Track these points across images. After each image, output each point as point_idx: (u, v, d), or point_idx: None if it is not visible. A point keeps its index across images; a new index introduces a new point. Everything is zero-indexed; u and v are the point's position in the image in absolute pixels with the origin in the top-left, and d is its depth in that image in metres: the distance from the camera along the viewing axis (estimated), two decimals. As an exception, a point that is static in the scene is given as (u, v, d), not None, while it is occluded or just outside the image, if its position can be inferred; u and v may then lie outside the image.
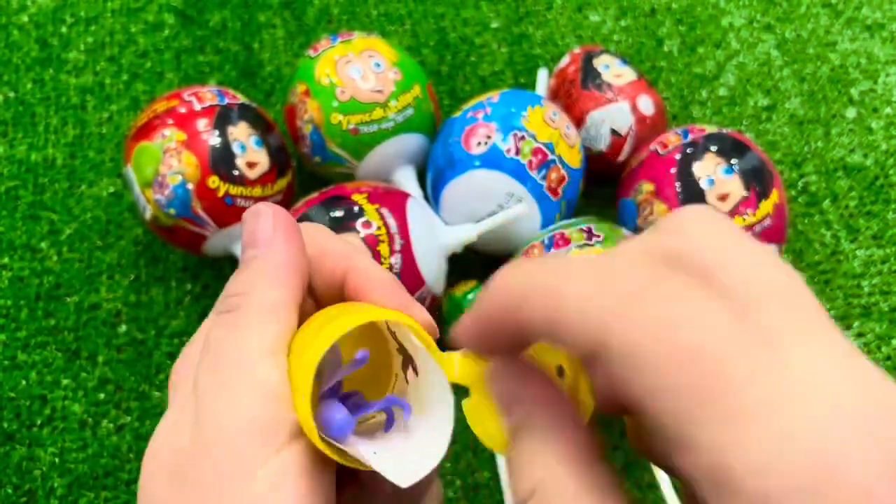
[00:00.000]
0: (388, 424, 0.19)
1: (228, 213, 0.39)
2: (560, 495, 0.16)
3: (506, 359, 0.19)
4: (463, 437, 0.38)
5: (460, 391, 0.19)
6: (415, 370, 0.19)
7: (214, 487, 0.17)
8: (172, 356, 0.42)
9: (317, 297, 0.21)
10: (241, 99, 0.42)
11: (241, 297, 0.19)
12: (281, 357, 0.18)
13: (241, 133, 0.39)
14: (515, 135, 0.39)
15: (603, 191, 0.46)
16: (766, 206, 0.38)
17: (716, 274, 0.15)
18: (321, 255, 0.20)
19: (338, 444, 0.18)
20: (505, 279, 0.17)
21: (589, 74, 0.44)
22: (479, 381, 0.19)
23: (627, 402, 0.15)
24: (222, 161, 0.38)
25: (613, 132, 0.43)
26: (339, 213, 0.37)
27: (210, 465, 0.17)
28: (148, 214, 0.39)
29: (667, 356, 0.14)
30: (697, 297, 0.14)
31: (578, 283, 0.15)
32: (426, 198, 0.43)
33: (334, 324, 0.18)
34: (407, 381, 0.20)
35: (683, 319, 0.14)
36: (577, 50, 0.46)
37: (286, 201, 0.42)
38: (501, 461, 0.39)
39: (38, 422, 0.41)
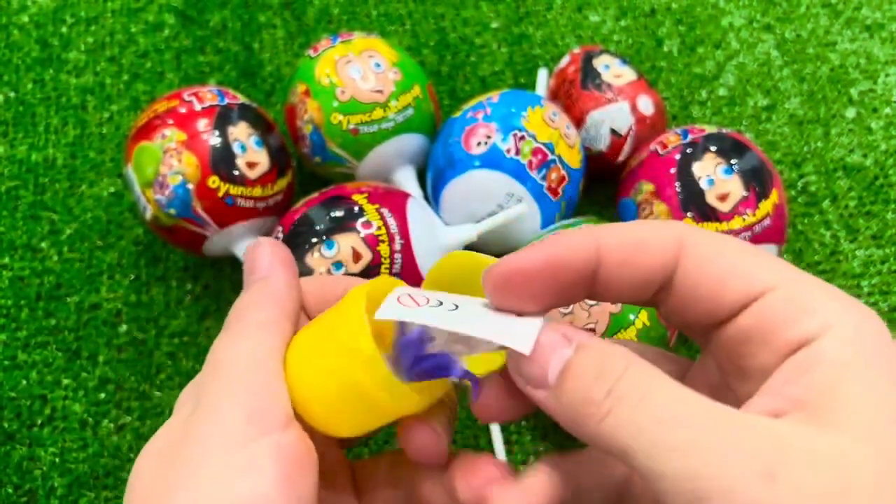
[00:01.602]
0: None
1: (229, 213, 0.39)
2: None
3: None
4: (462, 436, 0.38)
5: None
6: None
7: (196, 459, 0.18)
8: (173, 356, 0.42)
9: (311, 316, 0.24)
10: (241, 99, 0.42)
11: (240, 315, 0.22)
12: (274, 362, 0.20)
13: (241, 133, 0.39)
14: (515, 135, 0.39)
15: (603, 191, 0.46)
16: (766, 206, 0.38)
17: None
18: (322, 282, 0.25)
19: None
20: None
21: (589, 74, 0.44)
22: None
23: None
24: (222, 161, 0.38)
25: (613, 132, 0.43)
26: (339, 213, 0.37)
27: (198, 439, 0.19)
28: (148, 214, 0.39)
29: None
30: None
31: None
32: (426, 198, 0.43)
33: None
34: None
35: None
36: (576, 50, 0.46)
37: (286, 201, 0.42)
38: (501, 457, 0.39)
39: (39, 421, 0.41)
